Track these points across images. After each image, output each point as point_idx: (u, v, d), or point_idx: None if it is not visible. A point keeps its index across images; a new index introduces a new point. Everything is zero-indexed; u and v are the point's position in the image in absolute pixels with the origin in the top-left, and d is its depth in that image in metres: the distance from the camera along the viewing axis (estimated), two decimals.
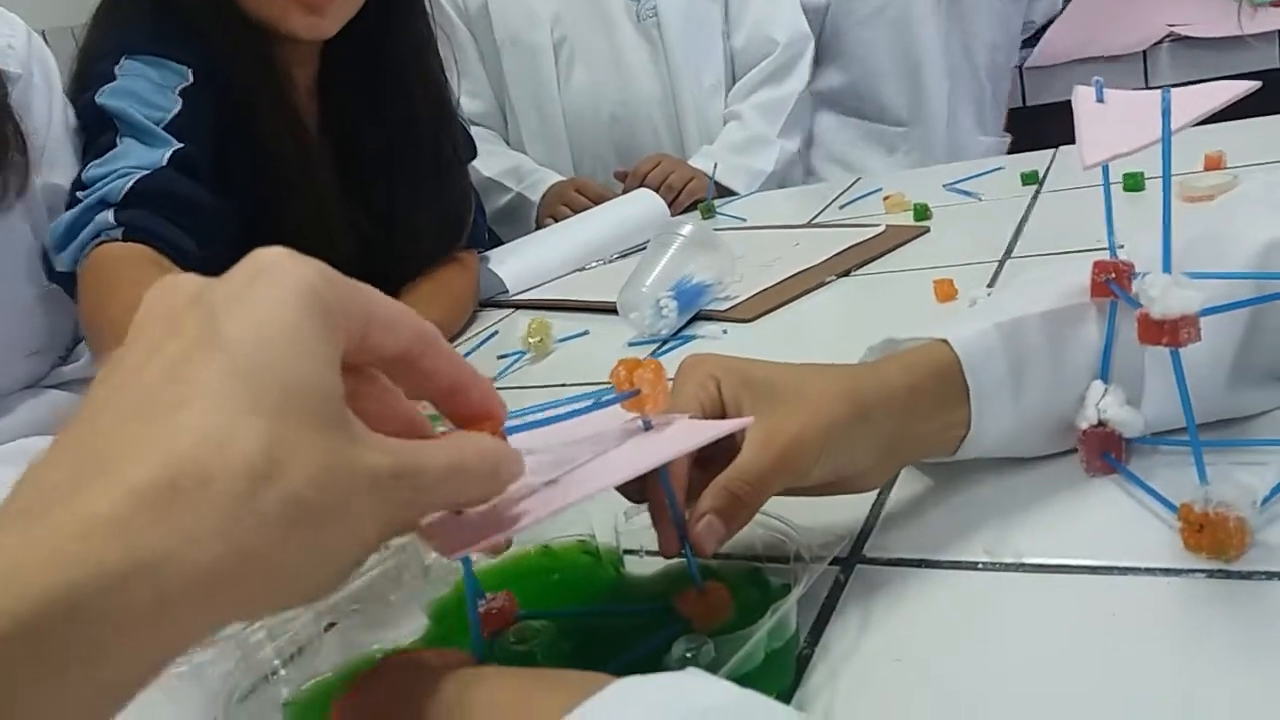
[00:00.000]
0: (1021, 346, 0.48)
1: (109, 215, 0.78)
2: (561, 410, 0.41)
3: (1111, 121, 0.46)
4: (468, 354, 0.98)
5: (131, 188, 0.79)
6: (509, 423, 0.40)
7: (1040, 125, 2.06)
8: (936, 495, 0.51)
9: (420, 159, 1.07)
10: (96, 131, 0.86)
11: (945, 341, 0.47)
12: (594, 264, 1.19)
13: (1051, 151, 1.24)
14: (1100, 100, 0.48)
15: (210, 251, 0.82)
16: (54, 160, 0.79)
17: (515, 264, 1.15)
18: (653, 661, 0.38)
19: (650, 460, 0.37)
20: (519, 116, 1.57)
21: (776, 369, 0.45)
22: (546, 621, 0.42)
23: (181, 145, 0.86)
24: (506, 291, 1.13)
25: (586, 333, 0.95)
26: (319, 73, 1.04)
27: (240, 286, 0.27)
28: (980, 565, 0.45)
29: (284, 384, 0.25)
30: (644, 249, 1.11)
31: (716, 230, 1.15)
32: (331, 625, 0.47)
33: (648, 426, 0.41)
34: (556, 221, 1.43)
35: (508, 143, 1.62)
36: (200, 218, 0.84)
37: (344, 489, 0.25)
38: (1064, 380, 0.49)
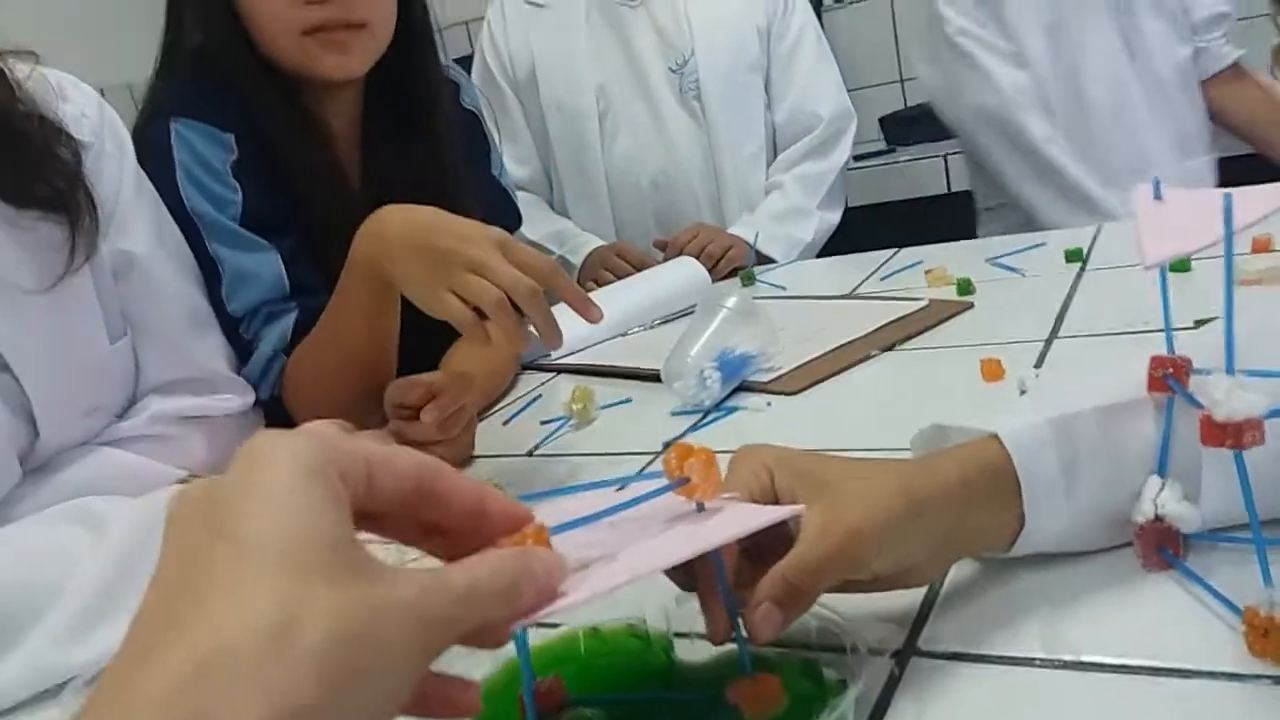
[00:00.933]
0: (1075, 442, 0.48)
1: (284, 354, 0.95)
2: (610, 500, 0.41)
3: (1171, 220, 0.46)
4: (510, 419, 0.98)
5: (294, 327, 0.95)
6: (555, 521, 0.41)
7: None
8: (990, 583, 0.50)
9: (457, 194, 1.07)
10: (184, 231, 0.94)
11: (996, 437, 0.47)
12: (636, 329, 1.20)
13: (1094, 228, 1.24)
14: (1159, 198, 0.48)
15: None
16: (123, 226, 0.81)
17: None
18: None
19: (703, 544, 0.38)
20: (563, 181, 1.59)
21: (830, 461, 0.46)
22: (597, 709, 0.42)
23: (269, 242, 0.96)
24: (549, 355, 1.14)
25: (629, 400, 0.96)
26: (361, 121, 1.06)
27: (239, 479, 0.29)
28: (1037, 662, 0.44)
29: (288, 549, 0.27)
30: (686, 315, 1.12)
31: (756, 298, 1.16)
32: None
33: (700, 508, 0.41)
34: (599, 285, 1.45)
35: (551, 207, 1.64)
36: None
37: (367, 629, 0.27)
38: (1119, 476, 0.49)
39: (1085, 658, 0.44)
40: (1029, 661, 0.44)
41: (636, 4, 1.55)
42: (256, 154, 0.97)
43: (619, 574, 0.35)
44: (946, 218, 2.16)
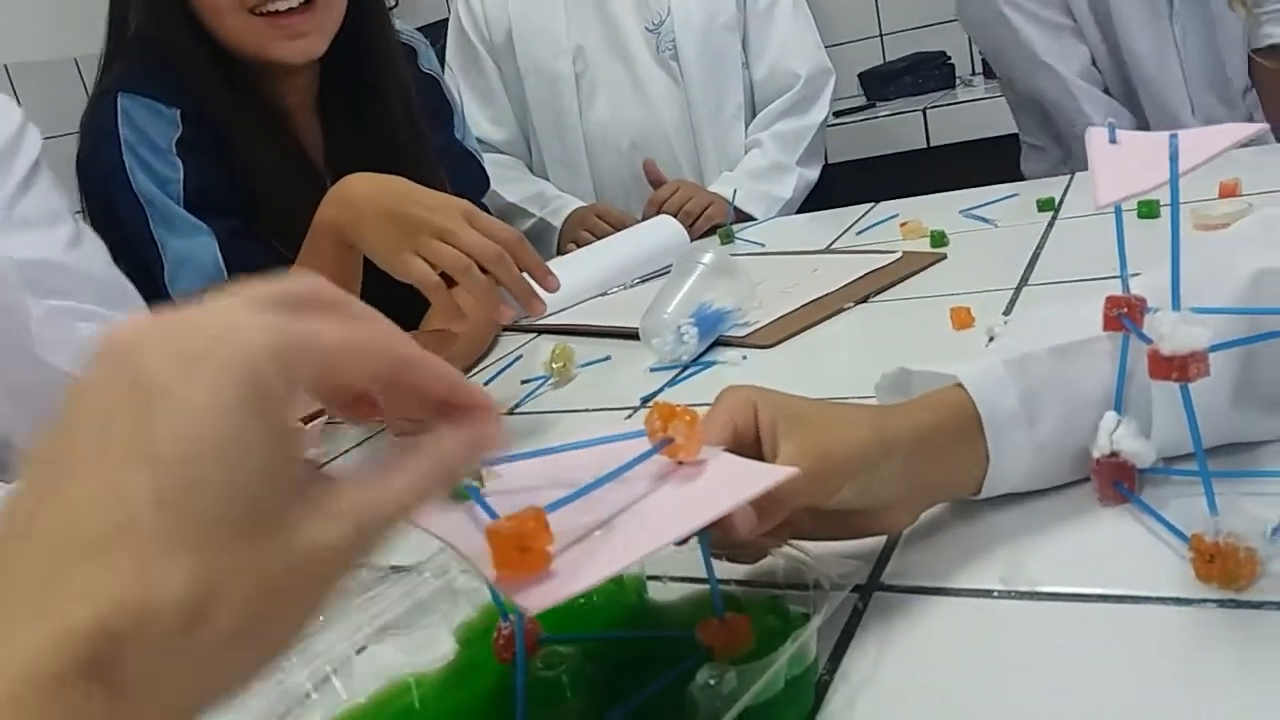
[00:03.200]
0: (1030, 380, 0.49)
1: None
2: (595, 465, 0.42)
3: (1125, 161, 0.47)
4: (490, 380, 0.99)
5: None
6: (529, 449, 0.42)
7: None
8: (952, 522, 0.52)
9: (416, 159, 1.07)
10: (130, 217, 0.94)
11: (959, 384, 0.49)
12: (615, 289, 1.21)
13: (1068, 177, 1.26)
14: (1113, 141, 0.49)
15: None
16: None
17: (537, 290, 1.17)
18: (676, 689, 0.39)
19: (705, 516, 0.38)
20: (541, 143, 1.59)
21: (810, 402, 0.47)
22: (572, 647, 0.44)
23: (208, 225, 0.96)
24: (528, 316, 1.14)
25: (609, 358, 0.97)
26: (318, 96, 1.05)
27: (183, 365, 0.26)
28: (996, 593, 0.46)
29: (213, 505, 0.25)
30: (665, 274, 1.12)
31: (735, 255, 1.17)
32: (362, 649, 0.49)
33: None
34: (579, 246, 1.45)
35: (530, 169, 1.64)
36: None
37: (290, 580, 0.26)
38: (1077, 412, 0.50)
39: (1042, 588, 0.45)
40: (988, 593, 0.46)
41: None
42: (202, 132, 0.97)
43: (628, 553, 0.36)
44: (926, 172, 2.17)
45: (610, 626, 0.47)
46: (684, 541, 0.39)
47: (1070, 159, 1.55)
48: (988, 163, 2.11)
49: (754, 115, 1.61)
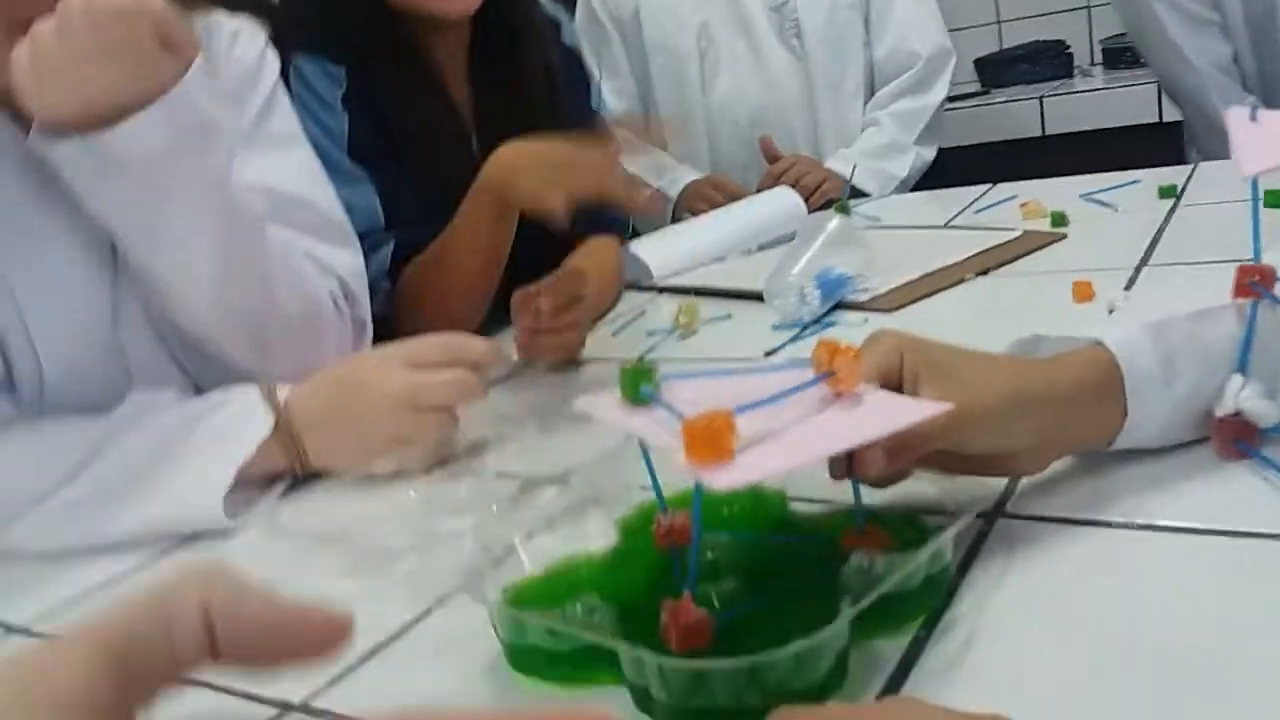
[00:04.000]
0: (1169, 343, 0.52)
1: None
2: (765, 386, 0.47)
3: (1265, 138, 0.50)
4: (617, 331, 1.05)
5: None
6: (704, 370, 0.47)
7: (1176, 141, 2.05)
8: (1074, 469, 0.56)
9: (560, 126, 1.13)
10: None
11: (1099, 344, 0.52)
12: (734, 255, 1.25)
13: (1190, 167, 1.26)
14: (1254, 120, 0.52)
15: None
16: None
17: (660, 251, 1.22)
18: (827, 582, 0.44)
19: (870, 433, 0.43)
20: (662, 117, 1.64)
21: (955, 351, 0.51)
22: (723, 544, 0.49)
23: (368, 175, 1.04)
24: (651, 277, 1.20)
25: (730, 316, 1.02)
26: (469, 60, 1.12)
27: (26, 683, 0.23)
28: (1115, 524, 0.49)
29: None
30: (781, 243, 1.17)
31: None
32: (531, 536, 0.55)
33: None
34: (694, 216, 1.50)
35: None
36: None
37: None
38: (1210, 373, 0.53)
39: (1160, 521, 0.49)
40: (1106, 524, 0.50)
41: None
42: (366, 88, 1.04)
43: (801, 453, 0.41)
44: (1041, 160, 2.16)
45: (758, 530, 0.52)
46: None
47: (1198, 149, 1.54)
48: (1105, 152, 2.09)
49: (872, 93, 1.64)
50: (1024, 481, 0.55)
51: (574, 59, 1.20)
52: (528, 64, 1.11)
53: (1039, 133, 2.25)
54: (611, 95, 1.68)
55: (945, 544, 0.44)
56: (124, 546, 0.68)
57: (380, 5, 1.04)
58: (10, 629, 0.61)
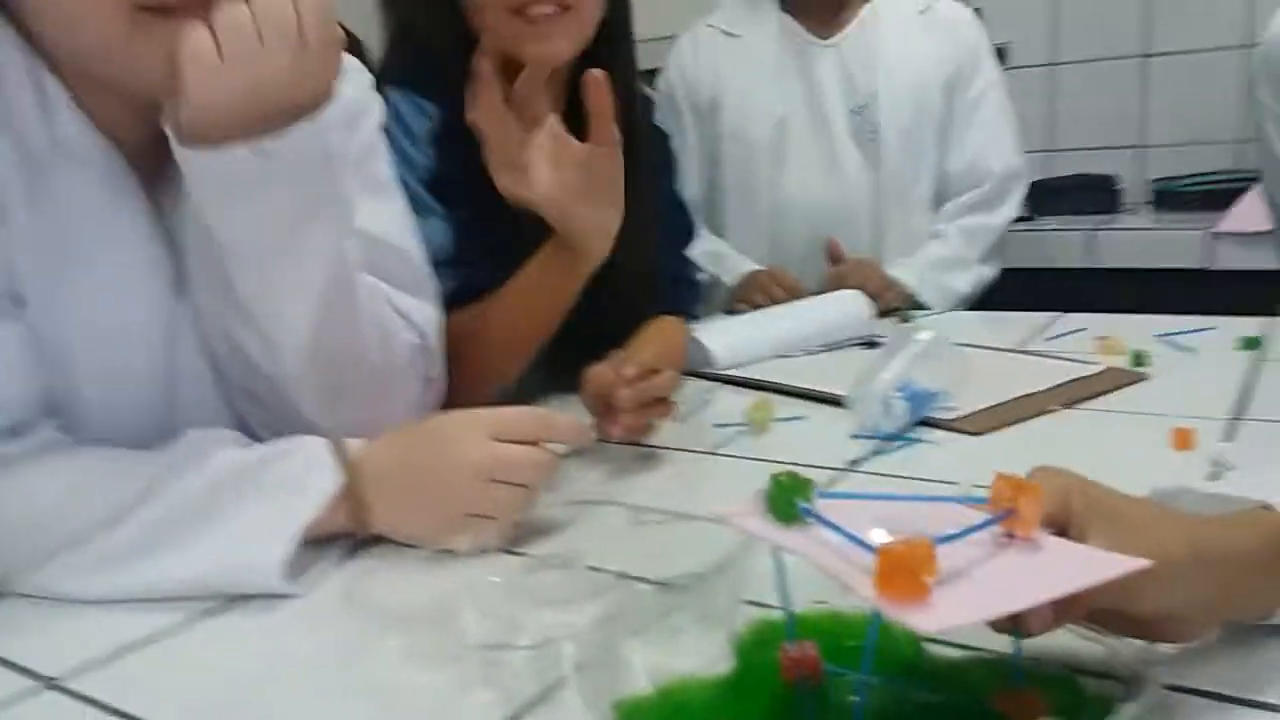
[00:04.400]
0: None
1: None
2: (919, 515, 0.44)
3: None
4: (684, 418, 1.01)
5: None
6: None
7: (1226, 291, 2.05)
8: (1222, 640, 0.52)
9: (642, 198, 1.09)
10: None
11: (1269, 508, 0.49)
12: (797, 354, 1.23)
13: (1267, 320, 1.23)
14: None
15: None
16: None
17: (723, 339, 1.20)
18: None
19: (1070, 585, 0.40)
20: (727, 204, 1.64)
21: (1125, 500, 0.48)
22: (859, 685, 0.45)
23: (440, 209, 1.01)
24: (714, 365, 1.17)
25: (803, 418, 0.98)
26: (564, 113, 1.07)
27: None
28: (1274, 705, 0.46)
29: None
30: (844, 347, 1.15)
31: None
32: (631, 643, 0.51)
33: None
34: (751, 307, 1.48)
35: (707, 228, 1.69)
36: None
37: None
38: None
39: None
40: (1265, 705, 0.46)
41: (828, 44, 1.60)
42: (456, 127, 1.01)
43: (1008, 600, 0.38)
44: (1086, 292, 2.16)
45: (888, 674, 0.48)
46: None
47: None
48: (1151, 292, 2.10)
49: (940, 205, 1.63)
50: (1165, 648, 0.51)
51: (662, 137, 1.19)
52: (622, 125, 1.09)
53: (1083, 264, 2.25)
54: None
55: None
56: (166, 600, 0.64)
57: (474, 43, 1.02)
58: (48, 681, 0.56)
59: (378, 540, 0.72)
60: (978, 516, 0.44)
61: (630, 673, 0.48)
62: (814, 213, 1.60)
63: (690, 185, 1.68)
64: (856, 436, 0.91)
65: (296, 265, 0.70)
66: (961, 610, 0.36)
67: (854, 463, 0.85)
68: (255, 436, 0.74)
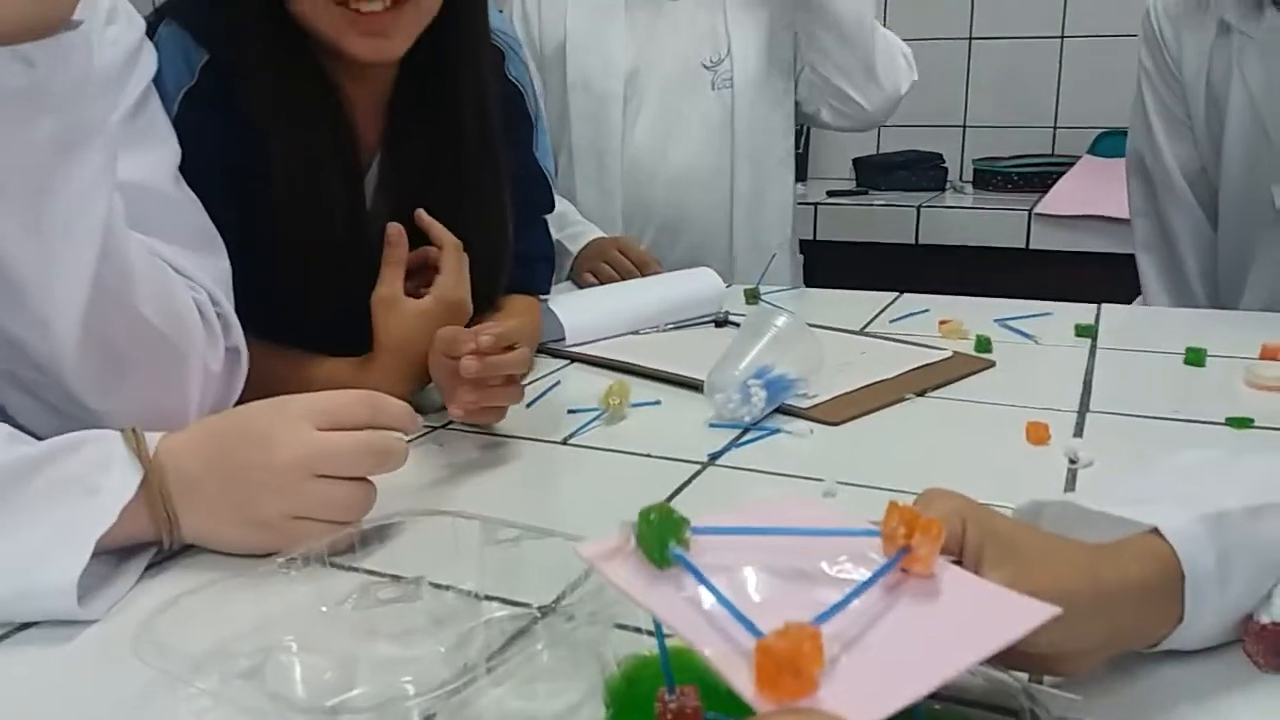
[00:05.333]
0: (1226, 539, 0.48)
1: None
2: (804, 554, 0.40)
3: None
4: (533, 402, 0.95)
5: None
6: (738, 524, 0.40)
7: (1045, 272, 2.15)
8: (1107, 670, 0.50)
9: (495, 179, 1.00)
10: None
11: (1155, 534, 0.47)
12: (648, 330, 1.18)
13: (1095, 307, 1.27)
14: None
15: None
16: None
17: (573, 313, 1.13)
18: None
19: (978, 650, 0.36)
20: (576, 161, 1.56)
21: (1021, 528, 0.46)
22: None
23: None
24: (563, 339, 1.11)
25: (659, 403, 0.94)
26: (391, 89, 0.95)
27: None
28: None
29: None
30: (694, 325, 1.11)
31: None
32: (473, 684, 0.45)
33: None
34: (595, 277, 1.42)
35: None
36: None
37: None
38: (1261, 576, 0.49)
39: None
40: None
41: None
42: (224, 90, 0.86)
43: (908, 687, 0.33)
44: (914, 267, 2.21)
45: None
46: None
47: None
48: (974, 269, 2.17)
49: (798, 174, 1.61)
50: (1050, 680, 0.49)
51: (516, 97, 1.07)
52: (456, 97, 0.95)
53: (912, 240, 2.30)
54: None
55: None
56: None
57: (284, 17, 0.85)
58: None
59: (188, 549, 0.62)
60: (868, 549, 0.41)
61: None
62: (666, 174, 1.55)
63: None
64: (715, 425, 0.86)
65: (65, 206, 0.60)
66: (855, 704, 0.31)
67: (714, 457, 0.80)
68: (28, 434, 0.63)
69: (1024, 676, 0.47)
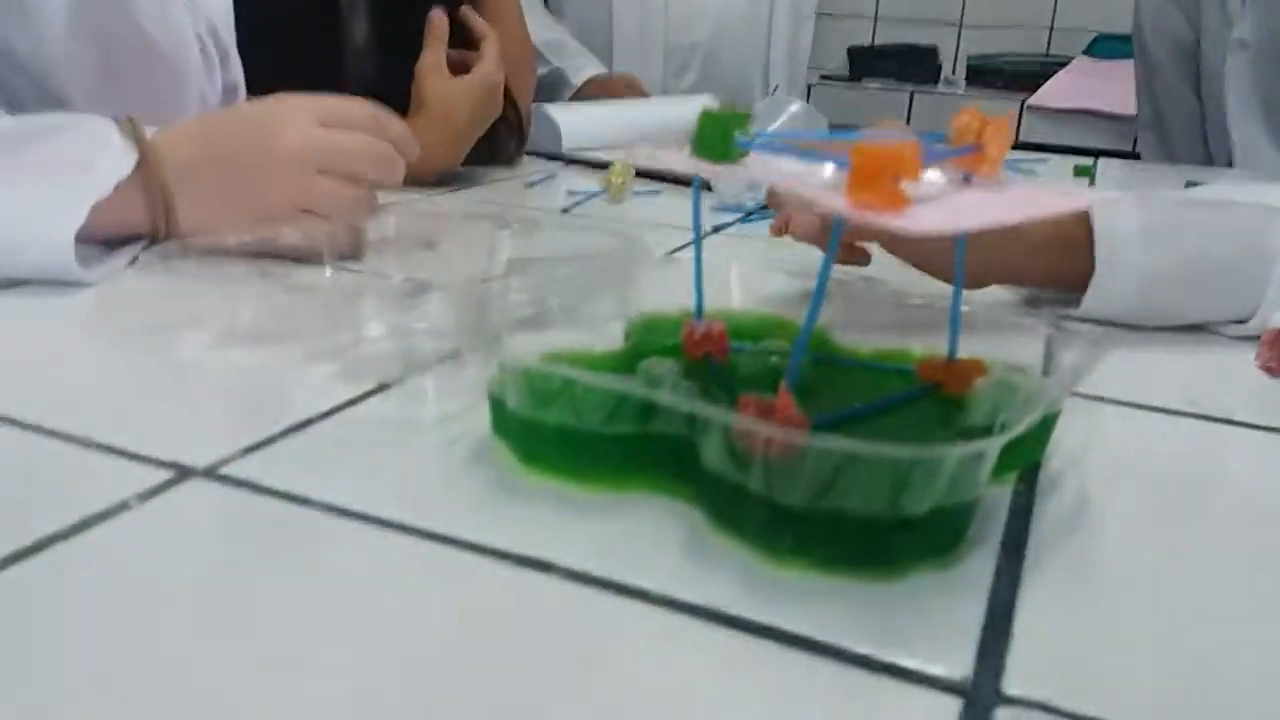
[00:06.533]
0: (1154, 214, 0.51)
1: None
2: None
3: None
4: (534, 183, 0.93)
5: None
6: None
7: None
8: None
9: None
10: None
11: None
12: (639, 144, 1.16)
13: (1093, 161, 1.27)
14: None
15: None
16: None
17: (572, 121, 1.11)
18: (929, 409, 0.36)
19: (1043, 208, 0.36)
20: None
21: None
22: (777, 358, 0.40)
23: None
24: (560, 142, 1.09)
25: (660, 193, 0.92)
26: None
27: None
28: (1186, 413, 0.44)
29: None
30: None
31: None
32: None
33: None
34: None
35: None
36: None
37: None
38: (1206, 262, 0.51)
39: (1237, 417, 0.44)
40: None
41: None
42: None
43: (985, 214, 0.33)
44: None
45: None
46: None
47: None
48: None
49: None
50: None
51: None
52: None
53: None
54: None
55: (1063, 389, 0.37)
56: None
57: None
58: None
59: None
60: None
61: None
62: (714, 12, 1.53)
63: None
64: (718, 209, 0.85)
65: None
66: (941, 219, 0.30)
67: (719, 228, 0.79)
68: None
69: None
